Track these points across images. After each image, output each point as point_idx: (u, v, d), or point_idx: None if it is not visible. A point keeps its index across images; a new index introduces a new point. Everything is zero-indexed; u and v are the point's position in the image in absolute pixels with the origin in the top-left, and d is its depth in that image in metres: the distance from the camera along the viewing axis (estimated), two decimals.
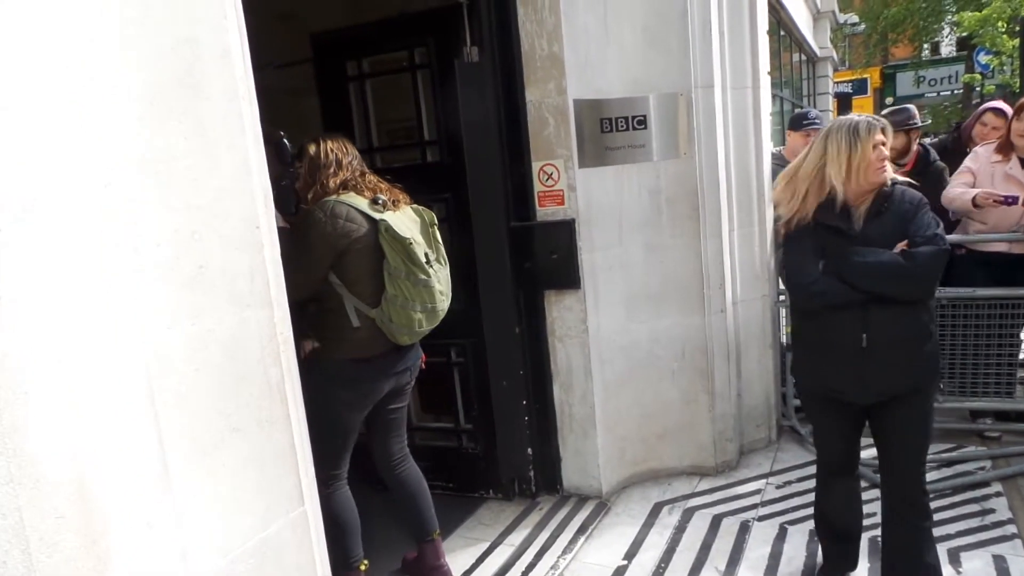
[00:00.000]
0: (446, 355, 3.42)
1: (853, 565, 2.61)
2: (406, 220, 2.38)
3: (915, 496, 2.33)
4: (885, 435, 2.33)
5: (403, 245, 2.27)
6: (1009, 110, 3.87)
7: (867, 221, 2.19)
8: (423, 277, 2.32)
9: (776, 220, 2.41)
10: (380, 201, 2.33)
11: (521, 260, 3.21)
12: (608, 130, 3.17)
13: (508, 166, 3.16)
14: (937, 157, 3.95)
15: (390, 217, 2.30)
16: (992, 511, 2.98)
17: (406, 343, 2.41)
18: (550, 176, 3.15)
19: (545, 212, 3.19)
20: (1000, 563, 2.63)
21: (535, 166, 3.17)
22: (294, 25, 3.59)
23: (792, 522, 3.05)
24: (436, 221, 2.48)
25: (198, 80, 1.13)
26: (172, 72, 1.10)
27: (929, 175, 3.70)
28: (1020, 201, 3.33)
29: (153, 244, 1.07)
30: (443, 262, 2.47)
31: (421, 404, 3.64)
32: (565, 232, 3.15)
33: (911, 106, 3.94)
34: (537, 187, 3.19)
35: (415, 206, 2.48)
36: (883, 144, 2.17)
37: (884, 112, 3.86)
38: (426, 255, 2.36)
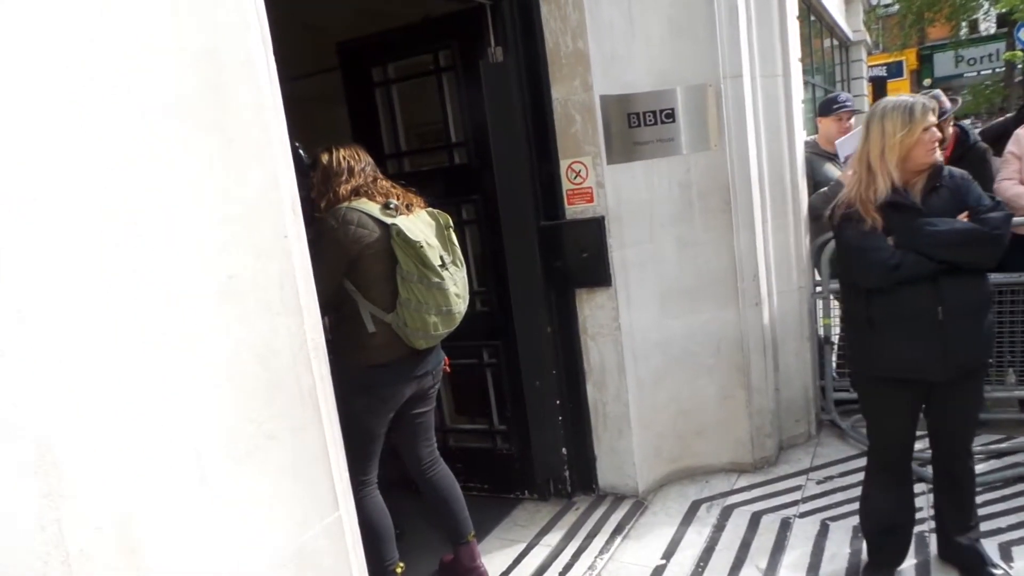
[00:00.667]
0: (478, 357, 3.42)
1: (901, 560, 2.55)
2: (419, 224, 2.37)
3: (965, 463, 2.45)
4: (944, 415, 2.37)
5: (415, 249, 2.27)
6: None
7: (924, 198, 2.23)
8: (436, 280, 2.31)
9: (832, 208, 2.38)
10: (392, 206, 2.34)
11: (551, 259, 3.20)
12: (636, 125, 3.14)
13: (536, 165, 3.15)
14: (979, 139, 3.80)
15: (402, 221, 2.30)
16: None
17: (422, 347, 2.40)
18: (578, 174, 3.13)
19: (574, 210, 3.17)
20: None
21: (563, 164, 3.15)
22: (320, 34, 3.63)
23: (834, 518, 2.99)
24: (452, 224, 2.48)
25: (224, 91, 1.14)
26: (198, 82, 1.11)
27: (970, 158, 3.57)
28: None
29: (185, 255, 1.08)
30: (460, 264, 2.46)
31: (455, 406, 3.65)
32: (595, 230, 3.13)
33: (939, 91, 3.82)
34: (565, 185, 3.17)
35: (430, 209, 2.48)
36: (936, 126, 2.20)
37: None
38: (441, 258, 2.36)
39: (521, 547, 3.04)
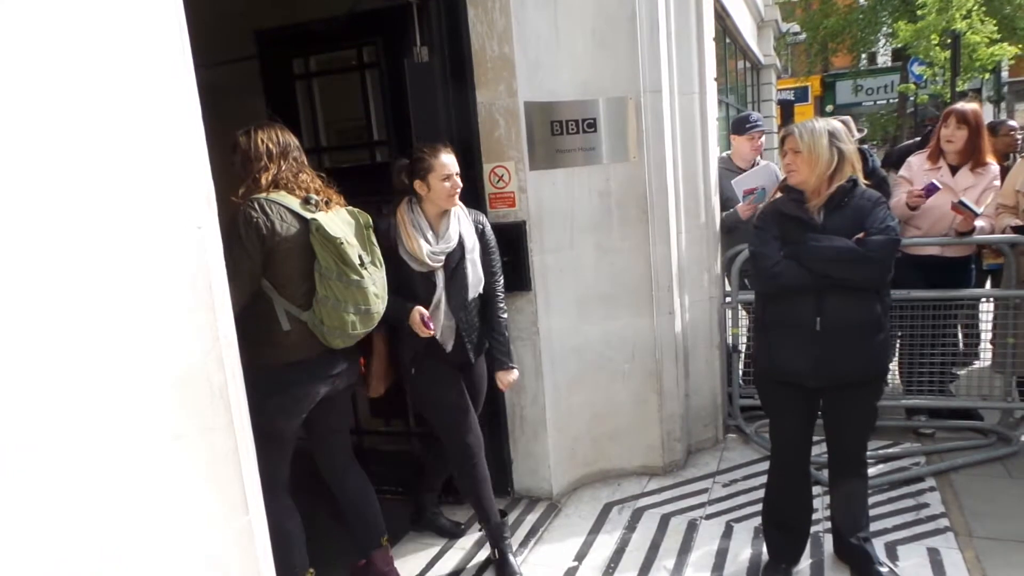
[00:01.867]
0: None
1: (797, 559, 2.68)
2: (339, 221, 2.32)
3: (856, 468, 2.62)
4: (836, 422, 2.54)
5: (334, 245, 2.21)
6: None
7: (827, 214, 2.38)
8: (355, 278, 2.27)
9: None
10: (312, 201, 2.27)
11: None
12: (559, 132, 3.18)
13: (459, 167, 3.13)
14: (878, 164, 4.05)
15: (322, 217, 2.24)
16: (926, 505, 3.09)
17: (339, 346, 2.34)
18: (501, 178, 3.15)
19: (496, 214, 3.18)
20: (934, 556, 2.73)
21: (486, 168, 3.16)
22: (238, 21, 3.50)
23: (738, 520, 3.11)
24: (372, 223, 2.43)
25: (135, 74, 1.08)
26: (118, 68, 1.05)
27: (870, 180, 3.79)
28: (940, 187, 3.47)
29: (89, 244, 1.02)
30: (379, 265, 2.42)
31: (370, 408, 3.59)
32: (516, 234, 3.15)
33: (849, 118, 4.04)
34: (488, 189, 3.18)
35: (350, 208, 2.42)
36: (787, 150, 2.43)
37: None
38: (360, 257, 2.31)
39: (435, 550, 3.02)
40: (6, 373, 0.93)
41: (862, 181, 2.43)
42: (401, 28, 3.04)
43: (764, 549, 2.76)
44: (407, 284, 2.62)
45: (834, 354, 2.35)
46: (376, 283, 2.37)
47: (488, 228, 2.82)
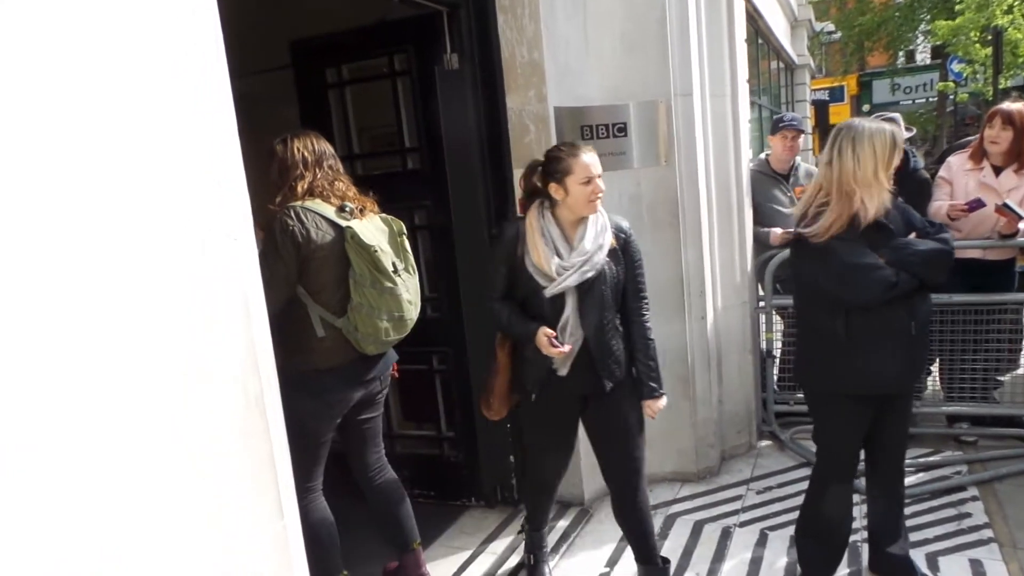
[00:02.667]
0: (428, 363, 3.40)
1: (834, 571, 2.62)
2: (372, 228, 2.35)
3: (899, 475, 2.61)
4: (885, 429, 2.48)
5: (368, 252, 2.24)
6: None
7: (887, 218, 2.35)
8: (389, 285, 2.29)
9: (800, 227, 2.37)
10: (347, 208, 2.31)
11: None
12: (589, 137, 3.18)
13: (489, 173, 3.16)
14: (920, 165, 3.93)
15: (356, 225, 2.28)
16: (969, 515, 3.02)
17: (372, 352, 2.37)
18: None
19: None
20: (977, 567, 2.66)
21: (516, 173, 3.16)
22: (272, 32, 3.57)
23: (773, 528, 3.07)
24: (405, 231, 2.45)
25: (179, 89, 1.11)
26: (158, 79, 1.08)
27: (909, 183, 3.68)
28: (985, 204, 3.38)
29: (123, 254, 1.05)
30: (412, 271, 2.44)
31: (403, 412, 3.62)
32: None
33: (897, 115, 3.92)
34: (518, 194, 3.18)
35: (384, 215, 2.45)
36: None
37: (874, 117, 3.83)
38: (393, 264, 2.34)
39: (467, 555, 3.02)
40: (51, 381, 0.96)
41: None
42: (431, 36, 3.07)
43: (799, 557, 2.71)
44: (532, 299, 2.33)
45: (921, 355, 2.37)
46: (409, 290, 2.39)
47: (633, 238, 2.44)
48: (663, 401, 2.50)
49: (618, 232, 2.39)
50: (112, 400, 1.03)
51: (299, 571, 1.35)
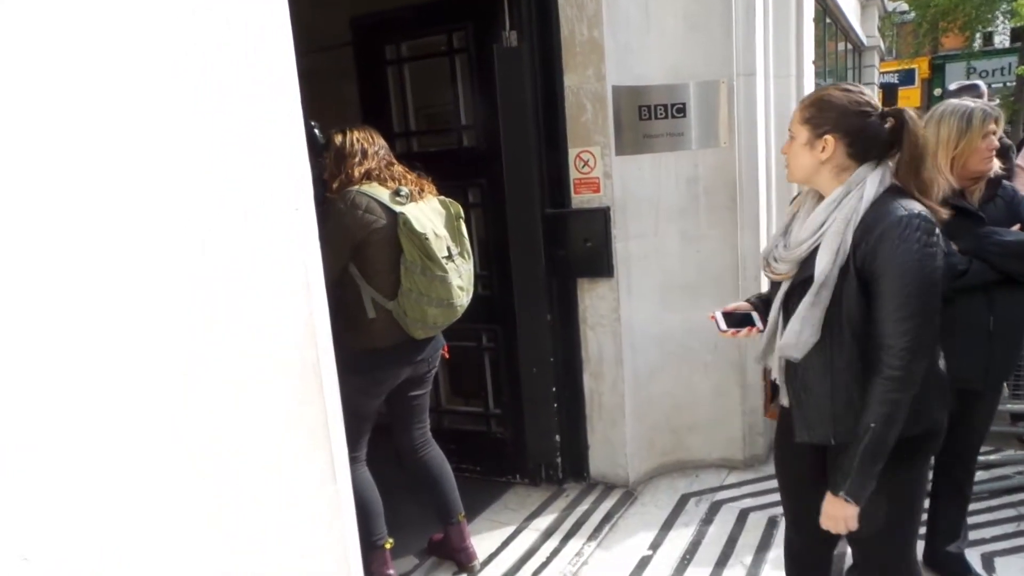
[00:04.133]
0: (477, 340, 3.43)
1: None
2: (429, 212, 2.38)
3: (967, 474, 2.50)
4: (971, 420, 2.33)
5: (420, 240, 2.28)
6: None
7: (981, 206, 2.23)
8: (439, 273, 2.32)
9: None
10: (403, 193, 2.34)
11: (555, 247, 3.20)
12: (647, 117, 3.13)
13: (544, 152, 3.15)
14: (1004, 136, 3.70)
15: (411, 210, 2.31)
16: None
17: (420, 336, 2.42)
18: (586, 163, 3.13)
19: (580, 199, 3.17)
20: None
21: (571, 153, 3.15)
22: (334, 9, 3.61)
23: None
24: (463, 214, 2.47)
25: (240, 64, 1.14)
26: (220, 55, 1.11)
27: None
28: None
29: (188, 230, 1.09)
30: (467, 256, 2.47)
31: (451, 388, 3.67)
32: (600, 220, 3.13)
33: (980, 83, 3.71)
34: (573, 174, 3.17)
35: (442, 198, 2.48)
36: (993, 134, 2.18)
37: (954, 87, 3.67)
38: (448, 249, 2.37)
39: (510, 530, 3.06)
40: (140, 344, 1.02)
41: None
42: (491, 13, 3.06)
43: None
44: None
45: (1004, 354, 2.25)
46: (462, 275, 2.42)
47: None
48: (846, 514, 1.62)
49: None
50: (196, 364, 1.09)
51: (350, 533, 1.39)
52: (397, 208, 2.30)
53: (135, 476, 1.02)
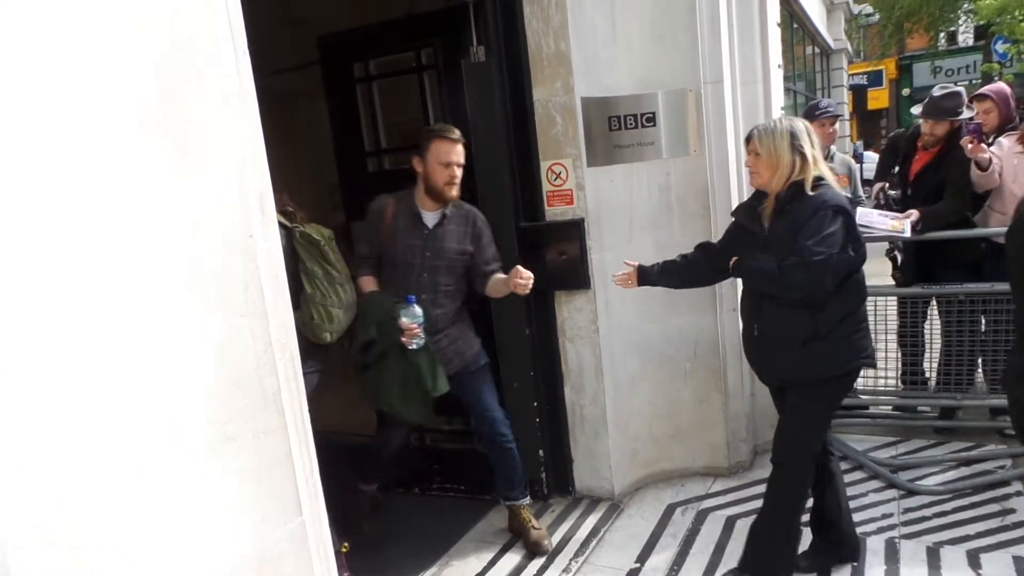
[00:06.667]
0: None
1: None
2: (312, 231, 2.54)
3: (824, 461, 2.60)
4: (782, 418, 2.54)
5: (318, 247, 2.46)
6: (1000, 92, 3.78)
7: (773, 221, 2.37)
8: (335, 274, 2.51)
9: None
10: (289, 213, 2.50)
11: (531, 260, 3.18)
12: (617, 128, 3.14)
13: (516, 166, 3.14)
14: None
15: (302, 226, 2.49)
16: (1013, 511, 2.92)
17: (327, 341, 2.54)
18: (558, 175, 3.13)
19: (554, 212, 3.17)
20: (1021, 564, 2.57)
21: (543, 165, 3.15)
22: (301, 27, 3.59)
23: (806, 524, 3.00)
24: (334, 237, 2.59)
25: (188, 87, 1.11)
26: (165, 77, 1.08)
27: (955, 154, 3.51)
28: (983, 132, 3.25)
29: (142, 253, 1.06)
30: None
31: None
32: (574, 232, 3.12)
33: (962, 90, 3.75)
34: (546, 187, 3.16)
35: (314, 224, 2.60)
36: (749, 152, 2.40)
37: (936, 94, 3.67)
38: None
39: (496, 549, 3.02)
40: (59, 375, 0.98)
41: (808, 185, 2.28)
42: (458, 29, 3.06)
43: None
44: None
45: (768, 359, 2.46)
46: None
47: None
48: None
49: None
50: (123, 394, 1.05)
51: (320, 565, 1.35)
52: (290, 224, 2.45)
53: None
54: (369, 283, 2.80)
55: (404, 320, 2.60)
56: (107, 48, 1.02)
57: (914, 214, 3.42)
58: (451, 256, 2.83)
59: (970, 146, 3.28)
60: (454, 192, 2.77)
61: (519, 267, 2.67)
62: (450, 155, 2.71)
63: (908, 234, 3.39)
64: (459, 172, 2.76)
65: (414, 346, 2.63)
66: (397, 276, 2.80)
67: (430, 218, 2.82)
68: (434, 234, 2.81)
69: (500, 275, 2.84)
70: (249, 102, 1.25)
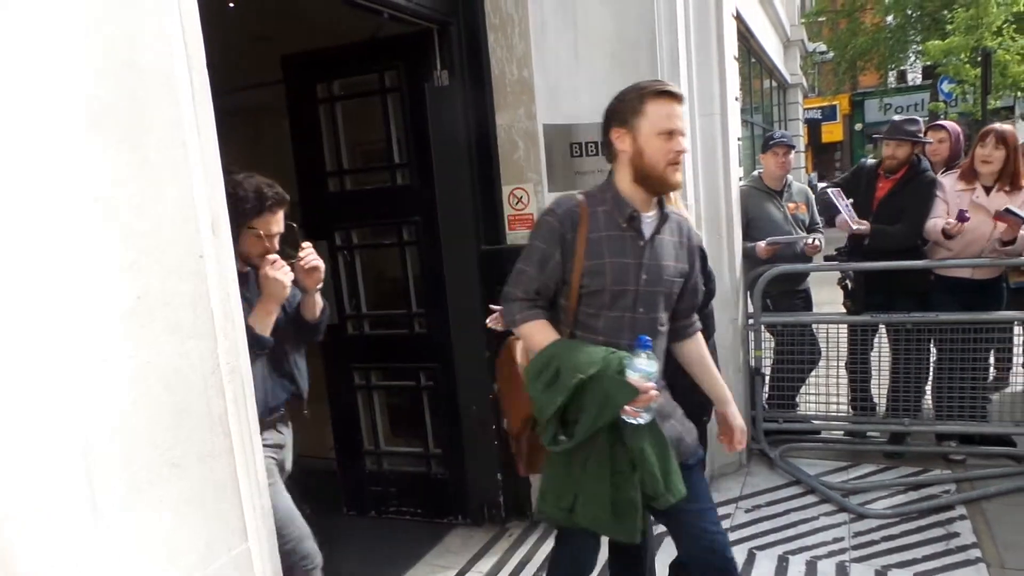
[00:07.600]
0: (416, 379, 3.38)
1: None
2: None
3: None
4: None
5: None
6: (953, 128, 4.03)
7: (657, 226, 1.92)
8: None
9: None
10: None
11: (491, 284, 3.19)
12: (578, 154, 3.18)
13: (478, 189, 3.16)
14: (930, 167, 3.89)
15: None
16: (957, 535, 3.00)
17: None
18: (520, 200, 3.16)
19: (516, 236, 3.18)
20: None
21: (505, 190, 3.17)
22: (268, 45, 3.57)
23: (761, 547, 3.04)
24: None
25: (140, 105, 1.10)
26: (114, 95, 1.07)
27: (917, 183, 3.71)
28: (968, 217, 3.41)
29: (89, 271, 1.03)
30: None
31: (390, 429, 3.59)
32: None
33: (920, 119, 4.00)
34: (507, 211, 3.19)
35: None
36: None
37: (897, 119, 3.90)
38: None
39: (452, 574, 2.98)
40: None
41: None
42: (422, 53, 3.08)
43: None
44: None
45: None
46: None
47: None
48: None
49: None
50: (63, 413, 1.01)
51: None
52: None
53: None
54: (545, 327, 1.92)
55: (634, 377, 1.66)
56: (57, 55, 1.01)
57: (866, 225, 3.65)
58: (669, 279, 1.92)
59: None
60: (678, 177, 1.86)
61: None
62: (673, 119, 1.83)
63: (851, 230, 3.70)
64: (685, 146, 1.86)
65: (640, 422, 1.70)
66: (587, 316, 1.88)
67: (647, 223, 1.89)
68: (652, 246, 1.89)
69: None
70: (204, 121, 1.24)
